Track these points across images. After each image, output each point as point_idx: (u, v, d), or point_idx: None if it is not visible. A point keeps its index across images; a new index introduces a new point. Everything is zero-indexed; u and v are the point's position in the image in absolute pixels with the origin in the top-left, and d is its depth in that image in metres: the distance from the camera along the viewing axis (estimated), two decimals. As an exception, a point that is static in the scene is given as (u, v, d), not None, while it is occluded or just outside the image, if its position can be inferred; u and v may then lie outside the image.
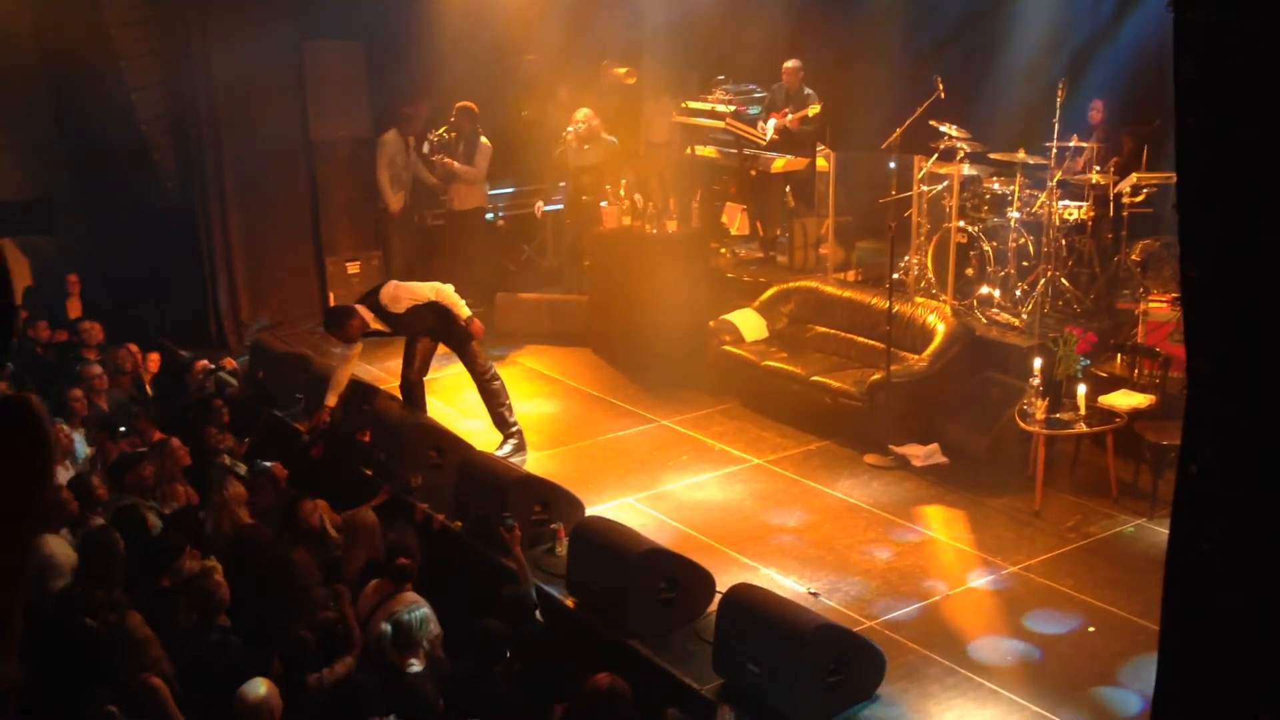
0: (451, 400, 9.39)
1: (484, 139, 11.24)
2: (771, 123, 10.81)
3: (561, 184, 11.44)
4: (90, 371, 8.57)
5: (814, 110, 10.61)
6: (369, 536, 6.52)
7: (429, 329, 8.27)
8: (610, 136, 11.19)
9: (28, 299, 11.36)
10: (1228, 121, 2.44)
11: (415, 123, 11.51)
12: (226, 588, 5.67)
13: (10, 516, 0.46)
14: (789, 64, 10.88)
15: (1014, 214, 9.10)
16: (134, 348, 9.47)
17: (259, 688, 4.78)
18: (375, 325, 8.08)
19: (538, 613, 5.98)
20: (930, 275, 9.53)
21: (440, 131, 11.28)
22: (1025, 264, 9.13)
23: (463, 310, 8.12)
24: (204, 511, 6.93)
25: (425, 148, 11.37)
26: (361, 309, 8.10)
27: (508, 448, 8.28)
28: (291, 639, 5.35)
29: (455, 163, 11.08)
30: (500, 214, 12.05)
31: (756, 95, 11.27)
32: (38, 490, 0.47)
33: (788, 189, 11.16)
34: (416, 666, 5.38)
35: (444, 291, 8.12)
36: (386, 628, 5.38)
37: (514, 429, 8.37)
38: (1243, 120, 2.43)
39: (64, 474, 7.07)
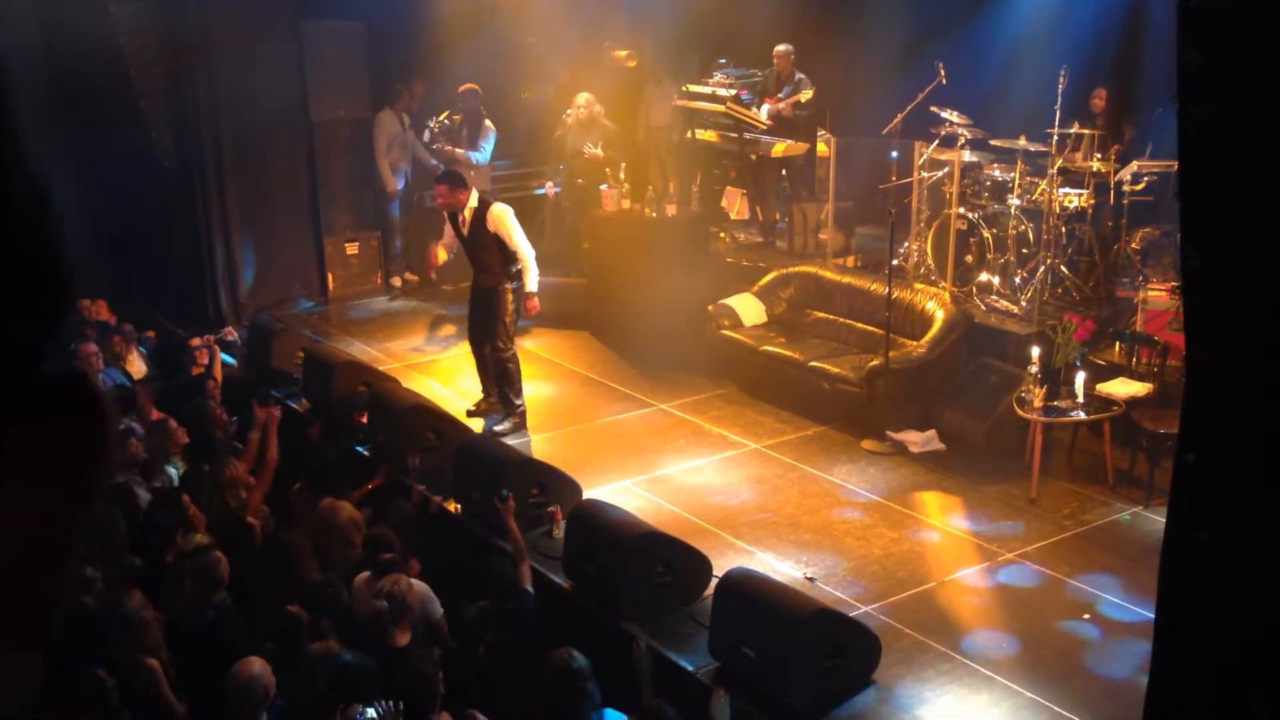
0: (449, 382, 9.39)
1: (488, 122, 11.20)
2: (765, 108, 10.79)
3: (561, 167, 11.42)
4: (85, 349, 8.56)
5: (806, 96, 10.58)
6: (345, 534, 6.42)
7: (486, 266, 8.27)
8: (608, 122, 11.15)
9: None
10: (1231, 111, 2.43)
11: (407, 99, 11.49)
12: (226, 564, 5.67)
13: (62, 498, 0.45)
14: (780, 48, 10.85)
15: (1014, 201, 9.09)
16: (129, 327, 9.47)
17: (252, 665, 4.77)
18: (465, 214, 8.16)
19: (528, 584, 5.97)
20: (930, 261, 9.53)
21: (443, 116, 11.24)
22: (1025, 251, 9.12)
23: (531, 282, 8.18)
24: (200, 490, 6.92)
25: (426, 135, 11.34)
26: (475, 193, 8.23)
27: (506, 425, 8.30)
28: (283, 616, 5.34)
29: (458, 150, 11.06)
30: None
31: (755, 79, 11.24)
32: (95, 473, 0.46)
33: (786, 173, 11.14)
34: (404, 639, 5.37)
35: (528, 257, 8.18)
36: (383, 603, 5.36)
37: (517, 407, 8.39)
38: (1246, 110, 2.42)
39: None
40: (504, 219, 8.15)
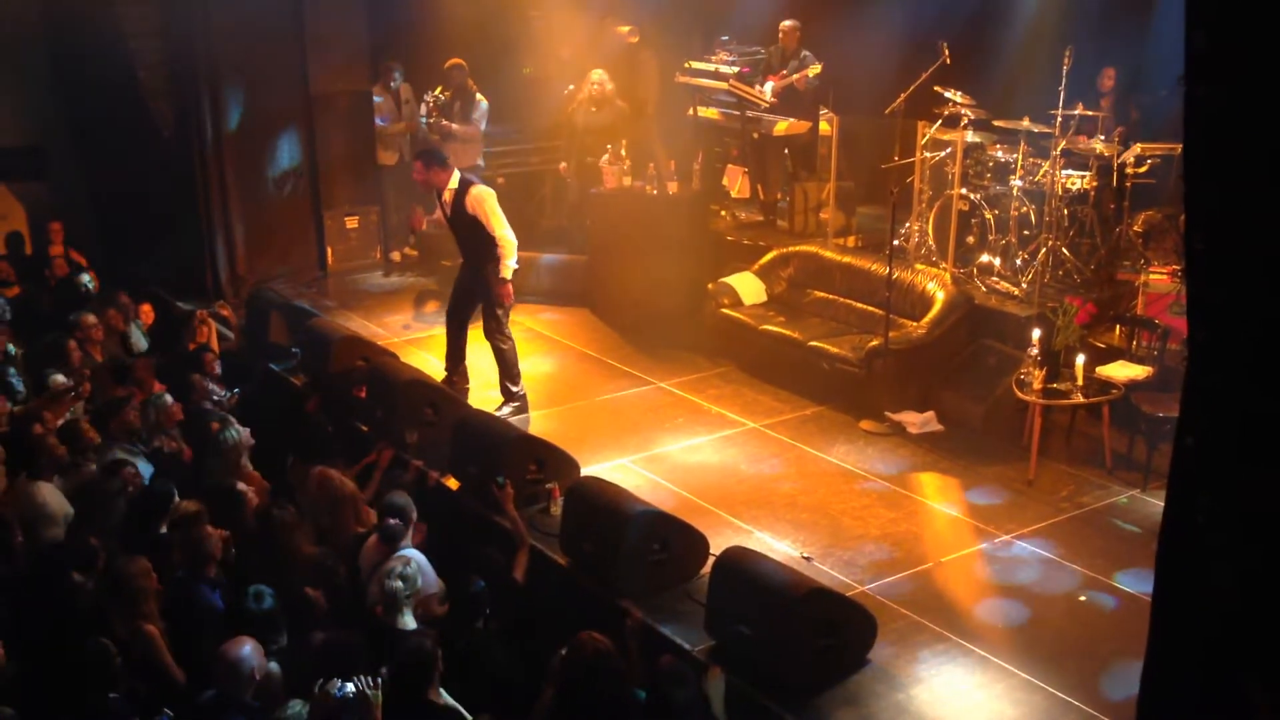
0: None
1: (480, 96, 11.16)
2: (769, 85, 10.72)
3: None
4: (85, 321, 8.55)
5: (814, 71, 10.52)
6: (347, 506, 6.42)
7: (471, 250, 8.22)
8: (621, 101, 11.08)
9: (14, 244, 11.32)
10: (1237, 93, 2.41)
11: (390, 75, 11.47)
12: (219, 538, 5.65)
13: None
14: (786, 24, 10.77)
15: (1016, 182, 9.06)
16: (125, 298, 9.44)
17: (242, 644, 4.73)
18: (447, 194, 8.11)
19: (520, 573, 5.97)
20: (931, 242, 9.50)
21: (436, 92, 11.20)
22: (1026, 233, 9.10)
23: (506, 269, 8.05)
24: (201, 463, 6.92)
25: (422, 109, 11.30)
26: (455, 173, 8.16)
27: (507, 410, 8.27)
28: (298, 598, 5.32)
29: (452, 124, 11.02)
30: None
31: (758, 57, 11.17)
32: None
33: (788, 152, 11.08)
34: (411, 621, 5.38)
35: (508, 240, 8.04)
36: (399, 584, 5.34)
37: (517, 394, 8.36)
38: (1252, 92, 2.40)
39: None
40: (483, 202, 8.04)
